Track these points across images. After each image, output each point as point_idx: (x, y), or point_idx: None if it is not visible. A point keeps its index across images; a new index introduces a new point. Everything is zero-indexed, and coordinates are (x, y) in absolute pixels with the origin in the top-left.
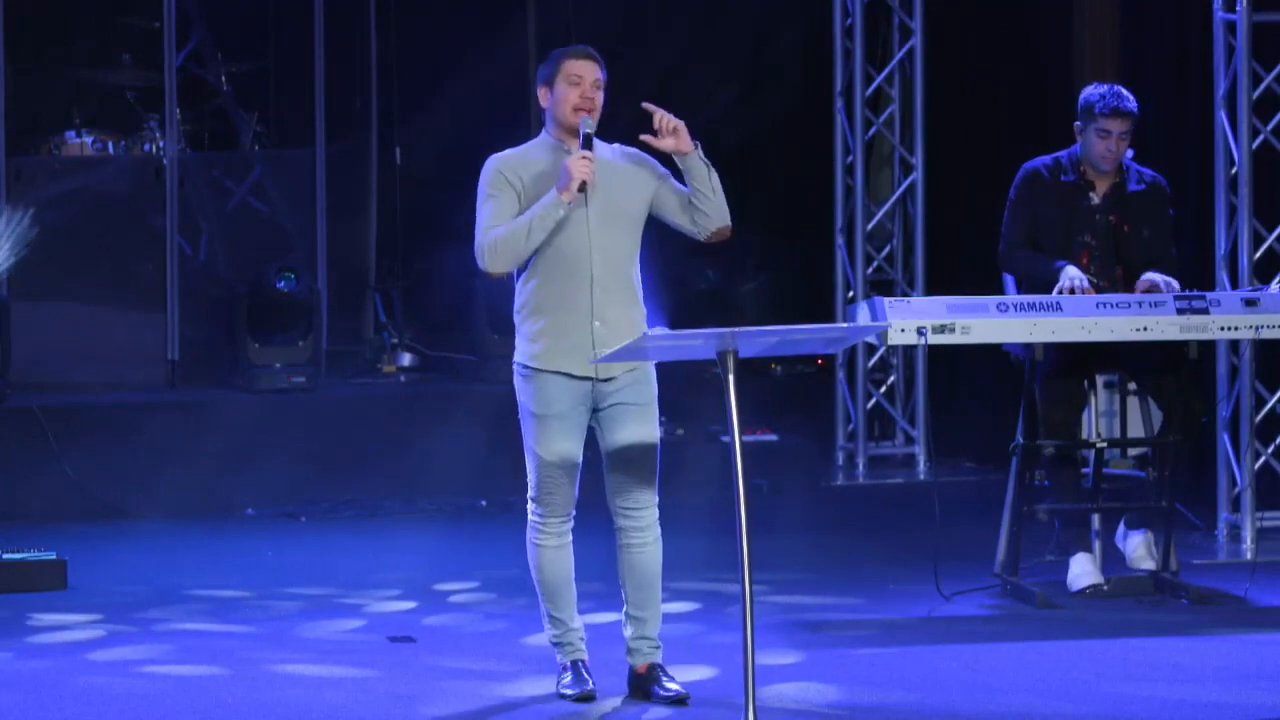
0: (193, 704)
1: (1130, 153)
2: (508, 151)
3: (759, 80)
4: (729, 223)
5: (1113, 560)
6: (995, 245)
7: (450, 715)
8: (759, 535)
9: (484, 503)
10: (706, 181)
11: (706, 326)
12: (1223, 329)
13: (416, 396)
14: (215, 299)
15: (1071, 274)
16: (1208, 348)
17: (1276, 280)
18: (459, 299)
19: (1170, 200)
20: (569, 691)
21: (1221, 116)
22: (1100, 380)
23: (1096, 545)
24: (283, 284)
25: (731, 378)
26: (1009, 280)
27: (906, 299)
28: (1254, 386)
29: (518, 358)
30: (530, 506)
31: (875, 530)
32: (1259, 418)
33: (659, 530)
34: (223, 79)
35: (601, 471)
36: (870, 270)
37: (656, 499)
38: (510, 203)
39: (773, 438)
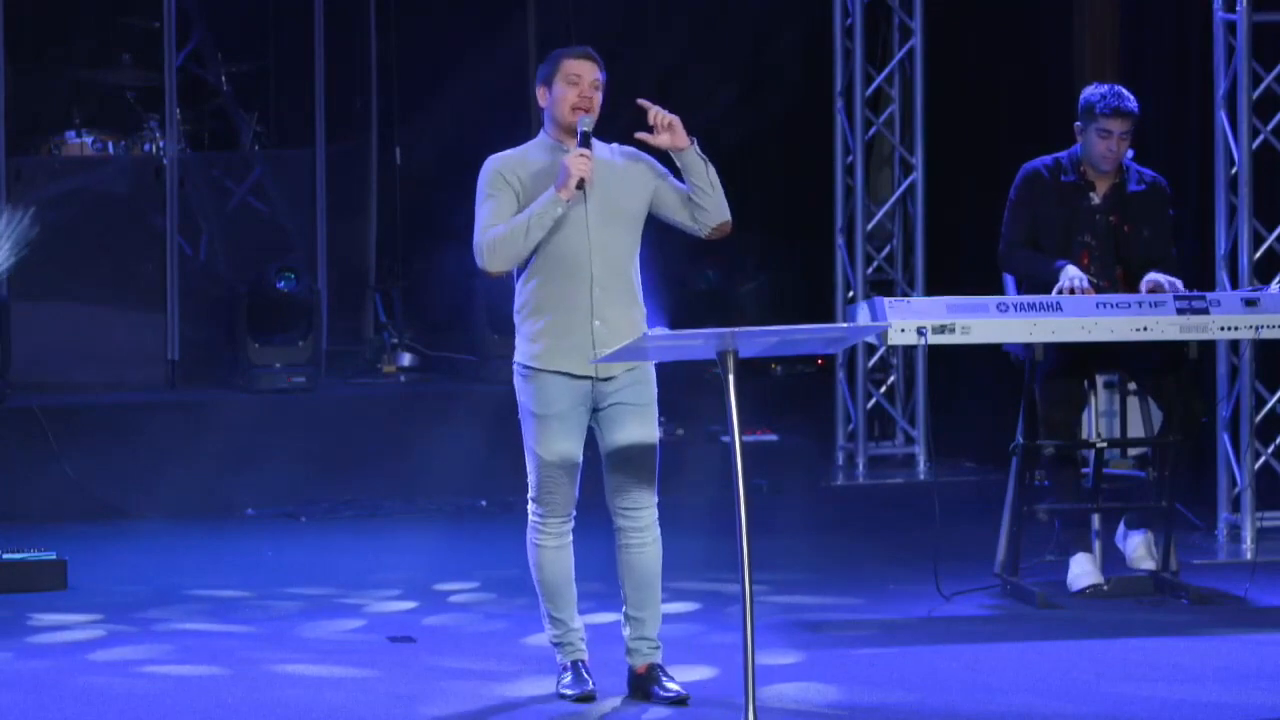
0: (193, 704)
1: (1130, 153)
2: (506, 152)
3: (759, 80)
4: (729, 218)
5: (1113, 560)
6: (995, 245)
7: (450, 715)
8: (759, 535)
9: (484, 503)
10: (705, 177)
11: (706, 326)
12: (1223, 329)
13: (416, 396)
14: (215, 299)
15: (1071, 274)
16: (1208, 348)
17: (1276, 280)
18: (459, 299)
19: (1170, 200)
20: (569, 692)
21: (1221, 116)
22: (1100, 380)
23: (1096, 545)
24: (283, 284)
25: (731, 378)
26: (1009, 280)
27: (906, 299)
28: (1254, 386)
29: (518, 357)
30: (530, 507)
31: (875, 530)
32: (1259, 418)
33: (658, 530)
34: (223, 79)
35: (601, 471)
36: (870, 270)
37: (656, 499)
38: (509, 202)
39: (773, 438)
